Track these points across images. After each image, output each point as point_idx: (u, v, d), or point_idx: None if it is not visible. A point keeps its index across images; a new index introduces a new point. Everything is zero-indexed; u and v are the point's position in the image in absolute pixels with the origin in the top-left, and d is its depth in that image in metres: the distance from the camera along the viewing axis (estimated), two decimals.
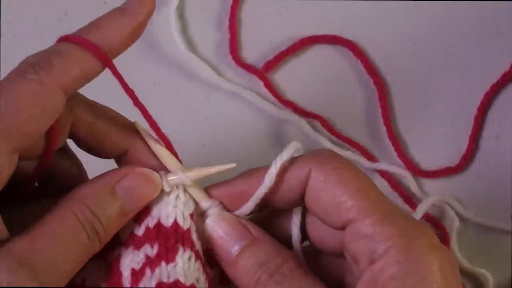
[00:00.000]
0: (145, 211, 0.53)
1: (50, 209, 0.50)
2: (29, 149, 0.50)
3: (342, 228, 0.52)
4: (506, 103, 0.83)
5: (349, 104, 0.83)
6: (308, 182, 0.52)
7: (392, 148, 0.82)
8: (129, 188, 0.52)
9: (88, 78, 0.50)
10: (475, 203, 0.82)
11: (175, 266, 0.51)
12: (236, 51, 0.83)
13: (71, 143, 0.55)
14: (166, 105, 0.82)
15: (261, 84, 0.82)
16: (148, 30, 0.82)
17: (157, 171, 0.54)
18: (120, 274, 0.52)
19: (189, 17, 0.84)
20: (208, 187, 0.55)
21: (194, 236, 0.53)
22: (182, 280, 0.51)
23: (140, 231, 0.53)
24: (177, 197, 0.54)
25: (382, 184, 0.82)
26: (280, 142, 0.82)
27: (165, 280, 0.51)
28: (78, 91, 0.52)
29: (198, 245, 0.54)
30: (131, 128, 0.55)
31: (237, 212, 0.55)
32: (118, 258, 0.53)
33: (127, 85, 0.51)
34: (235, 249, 0.53)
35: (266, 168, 0.54)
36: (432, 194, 0.80)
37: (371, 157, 0.82)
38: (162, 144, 0.54)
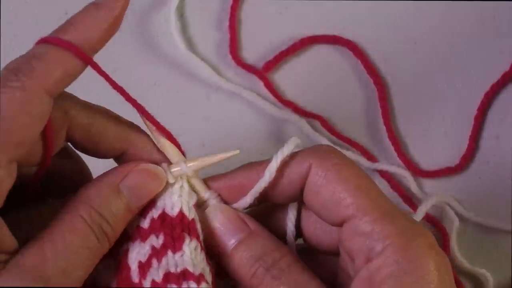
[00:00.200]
0: (150, 203, 0.53)
1: (57, 211, 0.50)
2: (27, 157, 0.50)
3: (340, 224, 0.52)
4: (506, 103, 0.83)
5: (349, 104, 0.83)
6: (308, 177, 0.52)
7: (392, 148, 0.82)
8: (134, 185, 0.52)
9: (71, 77, 0.49)
10: (475, 203, 0.82)
11: (182, 255, 0.51)
12: (236, 51, 0.83)
13: None
14: (166, 105, 0.82)
15: (261, 84, 0.82)
16: (148, 30, 0.83)
17: (159, 165, 0.54)
18: (128, 269, 0.51)
19: (189, 17, 0.84)
20: (207, 178, 0.55)
21: (198, 226, 0.53)
22: (190, 269, 0.50)
23: (145, 223, 0.53)
24: (182, 187, 0.54)
25: (382, 184, 0.82)
26: (280, 142, 0.81)
27: (172, 270, 0.50)
28: (74, 93, 0.52)
29: (202, 236, 0.53)
30: (129, 127, 0.54)
31: (235, 205, 0.55)
32: (126, 252, 0.52)
33: (113, 81, 0.51)
34: (231, 242, 0.53)
35: (265, 162, 0.54)
36: (432, 196, 0.80)
37: (371, 157, 0.82)
38: (164, 136, 0.54)
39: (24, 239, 0.48)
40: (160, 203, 0.53)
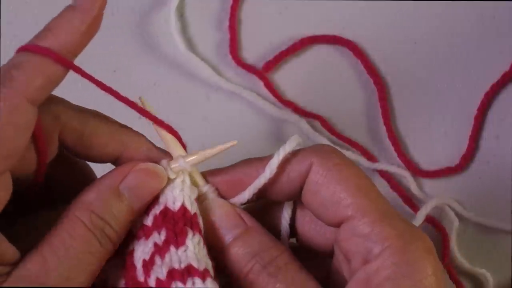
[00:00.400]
0: (154, 200, 0.53)
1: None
2: (21, 166, 0.49)
3: (337, 225, 0.51)
4: (506, 103, 0.83)
5: (349, 104, 0.83)
6: (308, 176, 0.52)
7: (392, 148, 0.82)
8: (134, 186, 0.51)
9: (53, 83, 0.48)
10: (475, 203, 0.82)
11: (185, 250, 0.50)
12: (236, 51, 0.83)
13: None
14: (166, 105, 0.82)
15: (261, 84, 0.82)
16: (148, 30, 0.83)
17: (158, 163, 0.53)
18: (134, 268, 0.51)
19: (189, 17, 0.84)
20: (205, 172, 0.55)
21: (200, 221, 0.52)
22: (195, 265, 0.49)
23: (148, 221, 0.52)
24: (183, 181, 0.53)
25: (382, 184, 0.82)
26: (280, 142, 0.81)
27: (176, 266, 0.49)
28: (64, 98, 0.51)
29: (203, 231, 0.52)
30: (123, 130, 0.54)
31: (233, 200, 0.54)
32: (132, 252, 0.52)
33: (100, 82, 0.50)
34: (228, 237, 0.53)
35: (265, 158, 0.54)
36: (432, 199, 0.80)
37: (371, 157, 0.82)
38: (163, 129, 0.54)
39: (34, 246, 0.48)
40: (162, 199, 0.52)
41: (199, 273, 0.49)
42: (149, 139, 0.55)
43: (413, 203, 0.82)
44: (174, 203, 0.52)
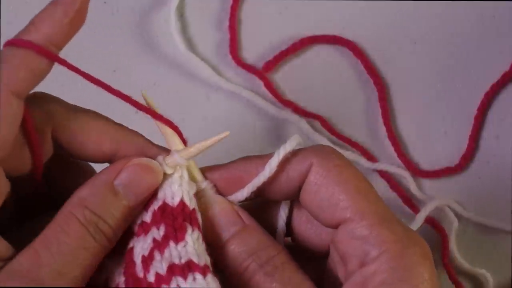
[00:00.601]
0: (152, 197, 0.52)
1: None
2: (15, 165, 0.49)
3: (334, 226, 0.51)
4: (506, 103, 0.83)
5: (349, 104, 0.83)
6: (308, 176, 0.52)
7: (392, 148, 0.82)
8: (128, 181, 0.51)
9: (38, 77, 0.49)
10: (475, 203, 0.82)
11: (185, 245, 0.49)
12: (236, 51, 0.83)
13: None
14: (166, 105, 0.81)
15: (261, 84, 0.82)
16: (148, 30, 0.83)
17: (154, 158, 0.53)
18: (134, 264, 0.50)
19: (189, 17, 0.84)
20: (204, 168, 0.54)
21: (199, 216, 0.52)
22: (195, 260, 0.49)
23: (147, 217, 0.52)
24: (181, 176, 0.53)
25: (382, 184, 0.82)
26: (280, 142, 0.81)
27: (176, 261, 0.48)
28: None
29: (202, 227, 0.52)
30: (117, 128, 0.53)
31: (231, 198, 0.54)
32: (131, 249, 0.51)
33: (89, 75, 0.50)
34: (225, 234, 0.52)
35: (265, 156, 0.53)
36: (432, 200, 0.80)
37: (371, 157, 0.82)
38: (163, 123, 0.54)
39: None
40: (160, 195, 0.52)
41: (200, 268, 0.48)
42: (147, 135, 0.55)
43: (412, 203, 0.82)
44: (172, 198, 0.52)
